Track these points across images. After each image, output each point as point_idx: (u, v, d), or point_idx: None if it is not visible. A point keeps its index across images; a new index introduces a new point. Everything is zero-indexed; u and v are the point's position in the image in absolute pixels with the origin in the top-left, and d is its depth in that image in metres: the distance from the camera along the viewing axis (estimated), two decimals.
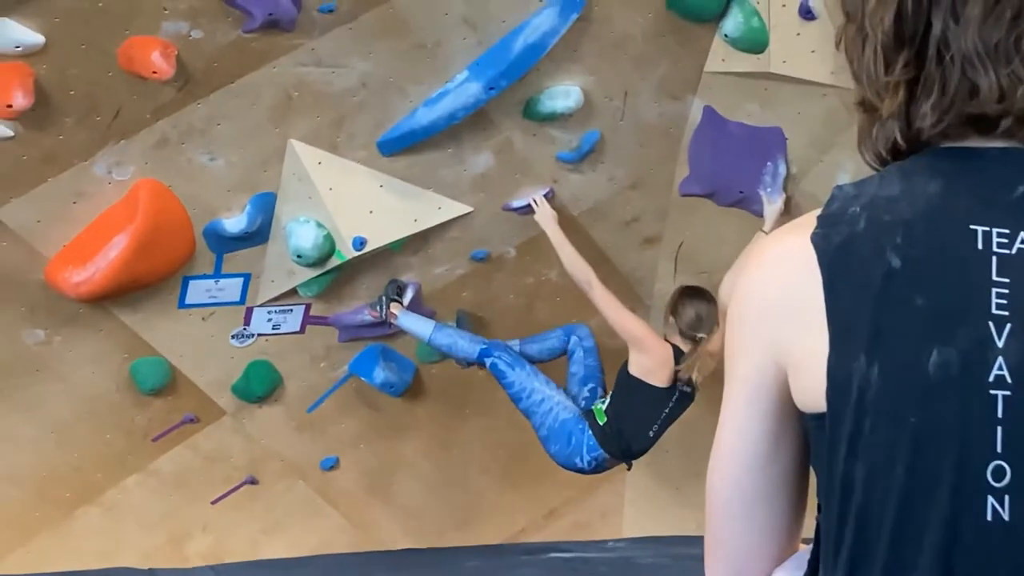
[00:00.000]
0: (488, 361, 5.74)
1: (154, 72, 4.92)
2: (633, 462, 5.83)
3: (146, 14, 4.86)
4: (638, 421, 5.60)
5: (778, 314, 1.58)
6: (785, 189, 5.83)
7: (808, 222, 1.59)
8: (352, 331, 6.06)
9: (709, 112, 5.76)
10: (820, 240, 1.56)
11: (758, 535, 1.65)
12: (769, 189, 5.81)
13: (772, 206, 5.80)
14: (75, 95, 4.96)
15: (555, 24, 5.31)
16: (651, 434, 5.62)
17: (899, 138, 1.59)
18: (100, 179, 5.22)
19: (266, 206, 5.56)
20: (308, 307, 5.93)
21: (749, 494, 1.64)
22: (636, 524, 7.03)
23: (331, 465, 6.49)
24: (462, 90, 5.42)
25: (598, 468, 5.73)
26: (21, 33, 4.71)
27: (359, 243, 5.61)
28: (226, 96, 5.19)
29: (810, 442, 1.60)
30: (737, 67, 5.56)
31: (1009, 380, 1.47)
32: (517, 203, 5.91)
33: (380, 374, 6.13)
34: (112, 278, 5.30)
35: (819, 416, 1.55)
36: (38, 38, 4.73)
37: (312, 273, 5.70)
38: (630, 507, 7.06)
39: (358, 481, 6.61)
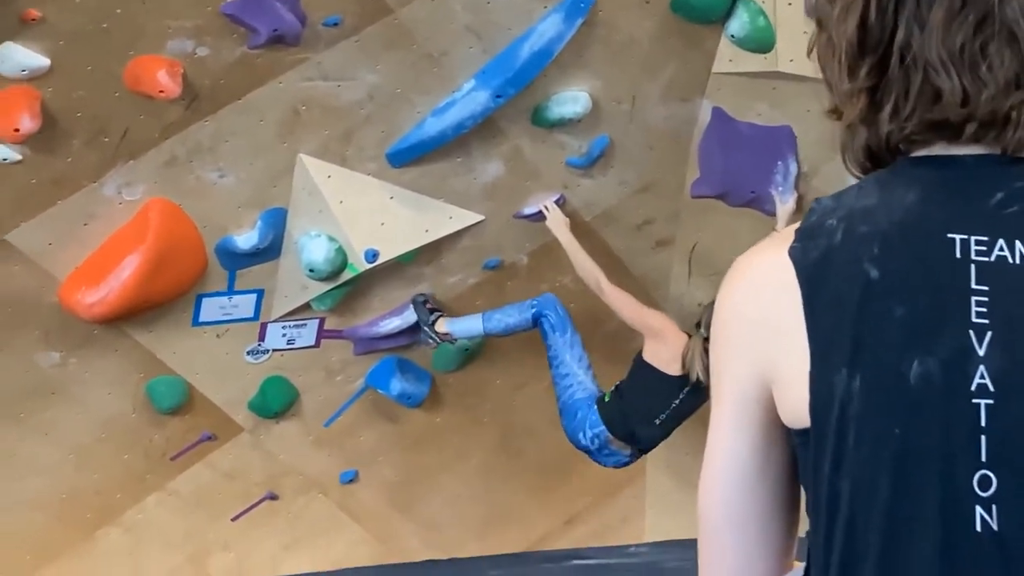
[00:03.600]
0: (540, 321, 5.81)
1: (161, 91, 4.92)
2: (643, 453, 5.82)
3: (150, 34, 4.85)
4: (645, 407, 5.66)
5: (759, 331, 1.56)
6: (797, 188, 5.80)
7: (787, 236, 1.58)
8: (367, 343, 6.05)
9: (718, 113, 5.74)
10: (798, 254, 1.54)
11: (751, 554, 1.63)
12: (781, 188, 5.79)
13: (784, 205, 5.78)
14: (82, 117, 4.95)
15: (561, 30, 5.29)
16: (657, 422, 5.67)
17: (871, 146, 1.58)
18: (110, 200, 5.22)
19: (277, 221, 5.55)
20: (322, 321, 5.92)
21: (740, 513, 1.62)
22: (658, 528, 7.00)
23: (350, 478, 6.48)
24: (470, 99, 5.41)
25: (603, 449, 5.76)
26: (26, 57, 4.71)
27: (371, 255, 5.60)
28: (233, 113, 5.18)
29: (798, 458, 1.58)
30: (745, 67, 5.54)
31: (991, 388, 1.45)
32: (528, 210, 5.90)
33: (397, 385, 6.12)
34: (125, 298, 5.30)
35: (804, 432, 1.53)
36: (43, 61, 4.73)
37: (325, 287, 5.69)
38: (651, 511, 7.03)
39: (378, 494, 6.59)
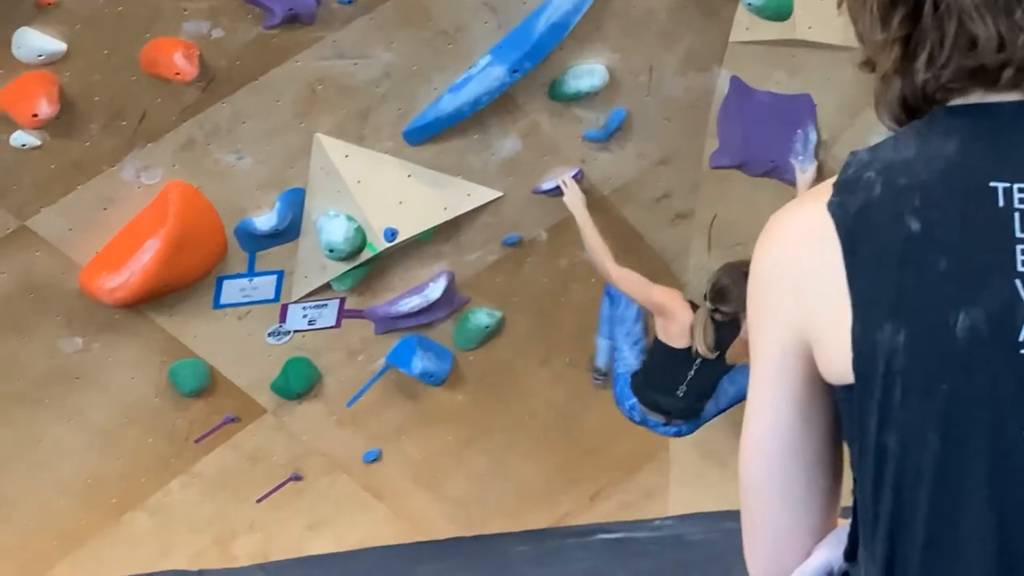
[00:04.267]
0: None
1: (177, 74, 4.90)
2: (687, 422, 5.87)
3: (166, 16, 4.84)
4: (663, 380, 5.76)
5: (798, 287, 1.54)
6: (817, 156, 5.77)
7: (824, 190, 1.55)
8: (388, 323, 6.03)
9: (736, 82, 5.71)
10: (837, 208, 1.51)
11: (795, 513, 1.62)
12: (800, 157, 5.76)
13: (804, 174, 5.74)
14: (100, 101, 4.94)
15: (577, 2, 5.26)
16: (679, 394, 5.73)
17: (907, 96, 1.55)
18: (129, 184, 5.21)
19: (295, 202, 5.53)
20: (343, 301, 5.91)
21: (783, 473, 1.60)
22: (682, 502, 7.00)
23: (374, 458, 6.48)
24: (486, 75, 5.38)
25: (646, 420, 5.90)
26: (43, 41, 4.70)
27: (390, 234, 5.58)
28: (250, 94, 5.17)
29: (841, 415, 1.56)
30: (762, 36, 5.51)
31: None
32: (546, 185, 5.88)
33: (418, 364, 6.11)
34: (146, 282, 5.29)
35: (847, 388, 1.51)
36: (60, 46, 4.72)
37: (345, 267, 5.68)
38: (675, 485, 7.03)
39: (402, 472, 6.59)
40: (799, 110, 5.69)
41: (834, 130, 5.73)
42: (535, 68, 5.42)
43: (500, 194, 5.84)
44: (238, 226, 5.52)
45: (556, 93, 5.59)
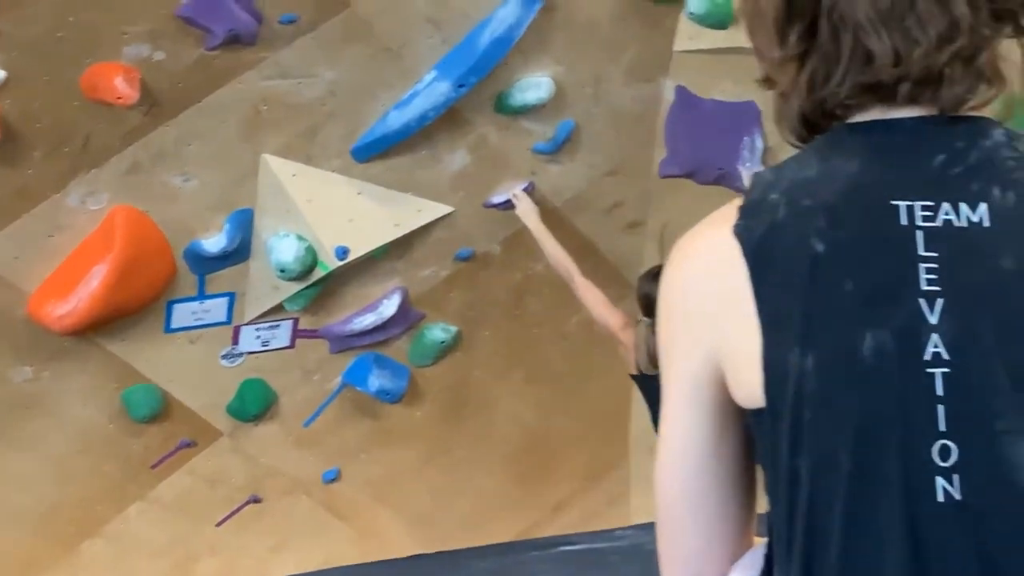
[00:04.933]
0: None
1: (119, 98, 4.87)
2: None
3: (106, 40, 4.81)
4: (650, 406, 5.34)
5: (707, 313, 1.53)
6: (764, 163, 5.78)
7: (730, 213, 1.54)
8: (343, 341, 6.01)
9: (681, 92, 5.72)
10: (742, 232, 1.51)
11: (711, 535, 1.61)
12: (748, 164, 5.77)
13: None
14: (42, 127, 4.91)
15: (519, 16, 5.26)
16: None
17: (806, 113, 1.55)
18: (75, 210, 5.17)
19: (244, 223, 5.50)
20: (296, 321, 5.88)
21: (698, 495, 1.59)
22: (644, 510, 6.98)
23: (333, 477, 6.44)
24: (431, 90, 5.37)
25: None
26: None
27: (342, 252, 5.56)
28: (194, 116, 5.14)
29: (754, 438, 1.55)
30: (706, 44, 5.52)
31: (946, 356, 1.42)
32: (497, 199, 5.86)
33: (375, 382, 6.09)
34: (95, 308, 5.25)
35: (759, 412, 1.50)
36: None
37: (297, 287, 5.65)
38: (637, 493, 7.02)
39: (362, 491, 6.56)
40: (745, 117, 5.71)
41: (780, 137, 5.73)
42: (481, 82, 5.41)
43: (451, 209, 5.82)
44: (187, 249, 5.48)
45: (503, 106, 5.58)
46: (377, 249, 5.72)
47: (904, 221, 1.45)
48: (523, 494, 6.90)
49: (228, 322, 5.77)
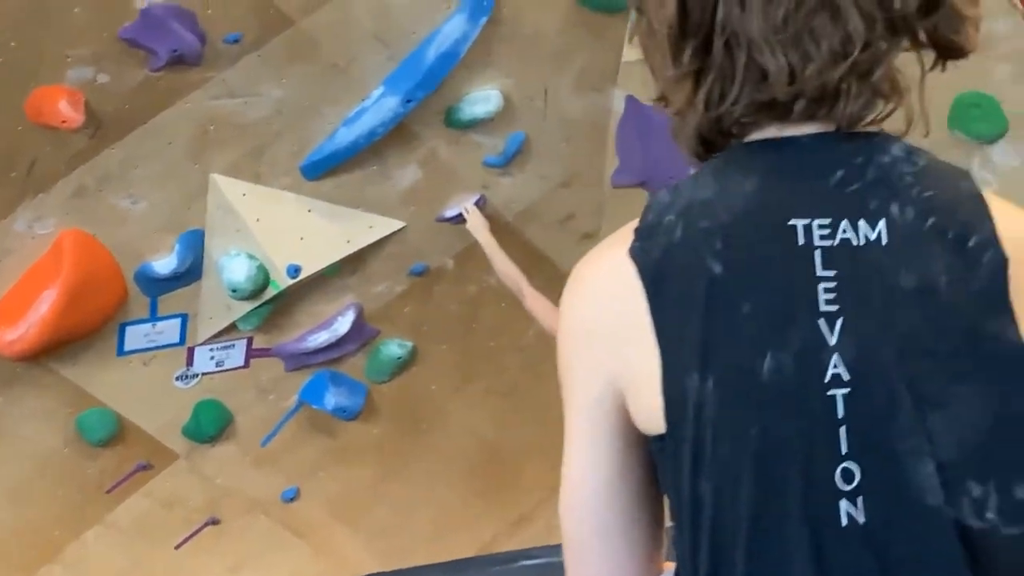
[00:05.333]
0: None
1: (63, 121, 4.84)
2: None
3: (49, 64, 4.77)
4: None
5: (605, 337, 1.51)
6: None
7: (626, 236, 1.53)
8: (298, 359, 5.98)
9: (631, 101, 5.71)
10: (639, 255, 1.49)
11: (618, 560, 1.60)
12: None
13: None
14: None
15: (465, 30, 5.25)
16: None
17: (703, 132, 1.54)
18: (22, 235, 5.13)
19: (195, 244, 5.47)
20: (250, 340, 5.85)
21: (603, 522, 1.58)
22: None
23: (292, 496, 6.40)
24: (380, 106, 5.35)
25: None
26: None
27: (293, 271, 5.54)
28: (141, 137, 5.11)
29: (656, 464, 1.54)
30: None
31: (846, 377, 1.41)
32: (449, 213, 5.85)
33: (331, 400, 6.06)
34: (46, 333, 5.21)
35: (661, 438, 1.49)
36: None
37: (249, 306, 5.62)
38: None
39: (322, 509, 6.53)
40: None
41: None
42: (429, 97, 5.40)
43: (403, 224, 5.80)
44: (137, 271, 5.44)
45: (452, 120, 5.56)
46: (329, 266, 5.70)
47: (801, 240, 1.44)
48: (484, 507, 6.88)
49: (181, 343, 5.74)
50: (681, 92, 1.53)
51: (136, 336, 5.62)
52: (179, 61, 4.94)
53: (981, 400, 1.39)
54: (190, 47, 4.92)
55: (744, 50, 1.46)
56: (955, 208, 1.44)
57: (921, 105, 1.51)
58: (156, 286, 5.50)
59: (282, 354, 5.94)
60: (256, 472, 6.28)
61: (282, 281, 5.54)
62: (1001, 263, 1.41)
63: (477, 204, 5.81)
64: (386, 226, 5.77)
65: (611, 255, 1.50)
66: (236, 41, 5.01)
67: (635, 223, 1.52)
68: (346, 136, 5.40)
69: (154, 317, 5.60)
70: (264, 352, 5.91)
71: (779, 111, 1.48)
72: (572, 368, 1.55)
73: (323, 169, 5.49)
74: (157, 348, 5.69)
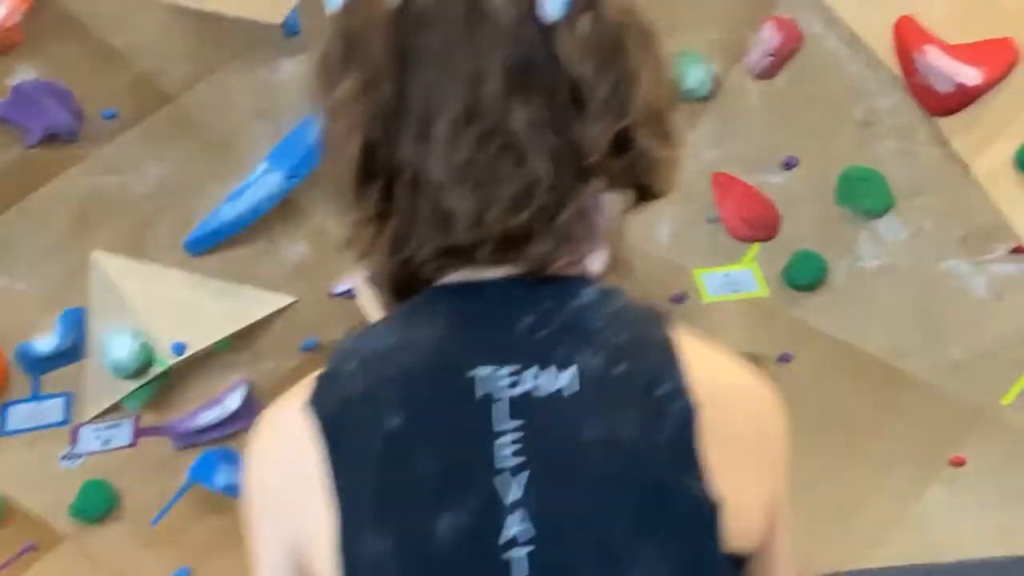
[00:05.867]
0: None
1: None
2: None
3: None
4: None
5: (285, 495, 1.47)
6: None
7: (308, 385, 1.49)
8: (187, 437, 5.88)
9: None
10: (316, 407, 1.45)
11: None
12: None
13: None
14: None
15: None
16: None
17: (393, 276, 1.51)
18: None
19: (77, 322, 5.40)
20: (137, 419, 5.75)
21: None
22: None
23: None
24: (264, 181, 5.32)
25: None
26: None
27: (179, 348, 5.46)
28: (18, 216, 5.06)
29: None
30: None
31: (532, 534, 1.37)
32: (341, 288, 5.80)
33: (222, 478, 5.95)
34: None
35: None
36: None
37: (135, 384, 5.53)
38: None
39: None
40: None
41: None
42: (314, 172, 5.36)
43: (293, 299, 5.74)
44: (18, 350, 5.36)
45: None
46: (218, 343, 5.62)
47: (480, 392, 1.39)
48: None
49: (66, 422, 5.63)
50: (366, 236, 1.48)
51: (19, 416, 5.52)
52: (55, 138, 4.90)
53: (668, 557, 1.34)
54: (65, 123, 4.89)
55: (427, 193, 1.42)
56: (645, 355, 1.40)
57: (621, 245, 1.47)
58: (38, 364, 5.42)
59: (171, 432, 5.84)
60: (147, 552, 6.15)
61: (168, 359, 5.46)
62: (688, 414, 1.37)
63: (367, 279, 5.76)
64: (276, 301, 5.71)
65: (291, 408, 1.46)
66: (114, 117, 4.97)
67: (319, 371, 1.47)
68: (230, 212, 5.36)
69: (36, 396, 5.51)
70: (152, 431, 5.81)
71: (465, 256, 1.44)
72: (255, 523, 1.50)
73: (208, 245, 5.43)
74: (41, 428, 5.59)
